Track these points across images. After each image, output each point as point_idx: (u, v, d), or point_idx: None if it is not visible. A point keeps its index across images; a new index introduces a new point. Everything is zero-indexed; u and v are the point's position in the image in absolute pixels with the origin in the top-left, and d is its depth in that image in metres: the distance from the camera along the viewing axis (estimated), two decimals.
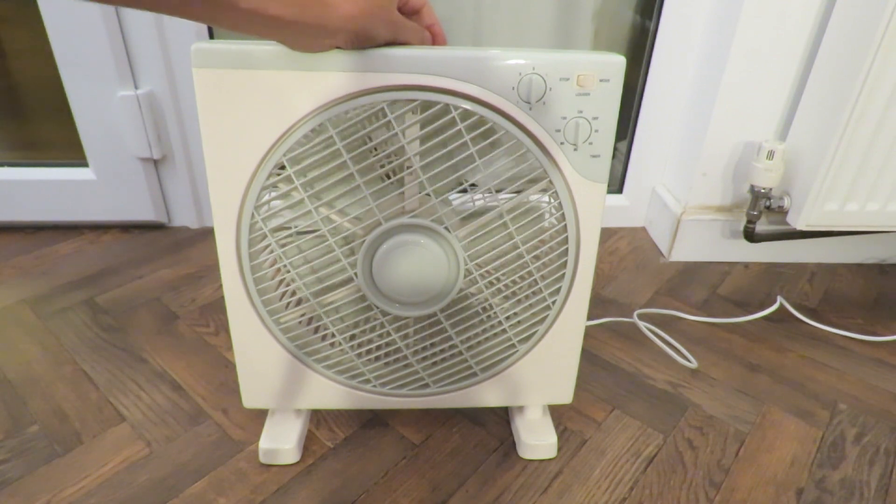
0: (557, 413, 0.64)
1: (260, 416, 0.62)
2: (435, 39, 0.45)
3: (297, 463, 0.57)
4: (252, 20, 0.34)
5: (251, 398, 0.55)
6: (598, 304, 0.86)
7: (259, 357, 0.52)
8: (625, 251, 1.01)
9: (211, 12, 0.33)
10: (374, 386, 0.54)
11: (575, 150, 0.45)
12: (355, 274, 0.48)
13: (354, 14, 0.36)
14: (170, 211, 1.02)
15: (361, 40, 0.39)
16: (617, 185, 1.10)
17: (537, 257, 0.49)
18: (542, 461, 0.59)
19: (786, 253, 0.99)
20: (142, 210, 0.99)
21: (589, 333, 0.78)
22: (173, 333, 0.75)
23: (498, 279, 0.50)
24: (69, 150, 0.95)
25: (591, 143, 0.45)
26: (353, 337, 0.52)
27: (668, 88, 0.97)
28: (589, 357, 0.74)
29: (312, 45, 0.39)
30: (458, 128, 0.43)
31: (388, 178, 0.46)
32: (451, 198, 0.46)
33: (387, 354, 0.53)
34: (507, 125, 0.43)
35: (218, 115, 0.42)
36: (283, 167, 0.44)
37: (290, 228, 0.47)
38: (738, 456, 0.60)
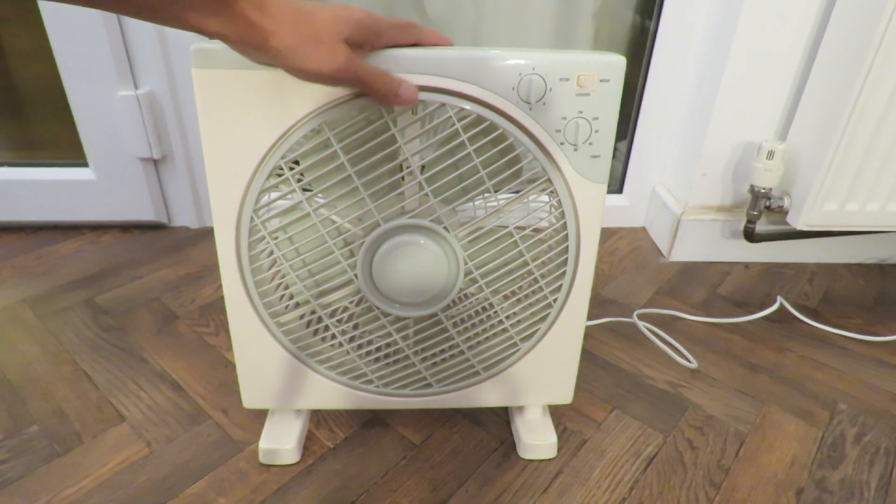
0: (557, 413, 0.64)
1: (260, 416, 0.62)
2: (438, 42, 0.44)
3: (297, 463, 0.57)
4: (178, 25, 0.35)
5: (251, 398, 0.55)
6: (598, 304, 0.86)
7: (259, 357, 0.52)
8: (625, 251, 1.01)
9: (140, 12, 0.34)
10: (377, 386, 0.54)
11: (575, 150, 0.45)
12: (355, 275, 0.48)
13: (280, 47, 0.36)
14: (170, 211, 1.02)
15: (295, 74, 0.38)
16: (617, 185, 1.10)
17: (537, 256, 0.49)
18: (542, 461, 0.59)
19: (786, 253, 0.99)
20: (142, 210, 0.99)
21: (589, 333, 0.78)
22: (173, 333, 0.75)
23: (498, 279, 0.50)
24: (69, 150, 0.95)
25: (591, 144, 0.45)
26: (353, 338, 0.52)
27: (668, 88, 0.97)
28: (589, 357, 0.74)
29: (250, 59, 0.39)
30: (457, 128, 0.43)
31: (400, 170, 0.46)
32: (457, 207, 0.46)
33: (387, 355, 0.53)
34: (507, 125, 0.43)
35: (217, 116, 0.42)
36: (282, 169, 0.44)
37: (289, 230, 0.47)
38: (738, 456, 0.60)
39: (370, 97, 0.41)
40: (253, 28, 0.35)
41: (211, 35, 0.36)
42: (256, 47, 0.37)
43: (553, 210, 0.48)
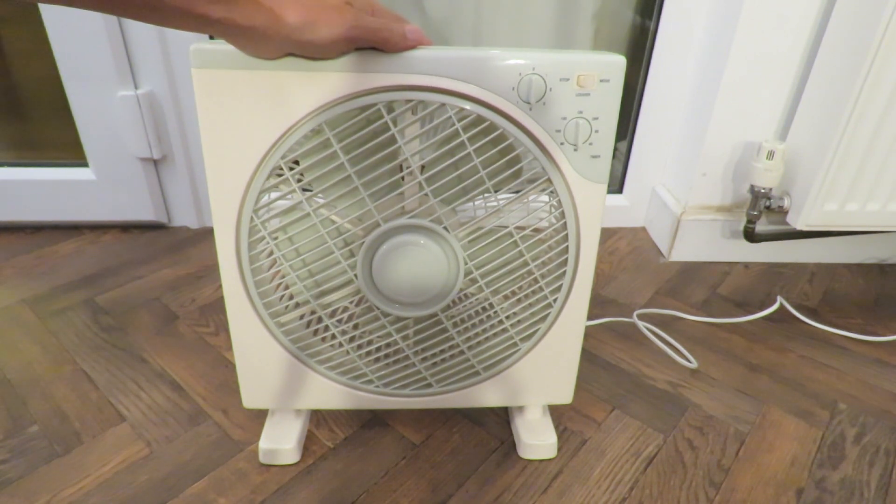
0: (557, 413, 0.64)
1: (260, 416, 0.62)
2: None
3: (297, 463, 0.57)
4: (180, 18, 0.34)
5: (251, 398, 0.55)
6: (598, 304, 0.86)
7: (259, 357, 0.52)
8: (625, 251, 1.01)
9: (138, 10, 0.33)
10: (377, 386, 0.54)
11: (575, 150, 0.45)
12: (355, 275, 0.48)
13: (295, 22, 0.35)
14: (170, 211, 1.02)
15: (310, 49, 0.38)
16: (617, 185, 1.10)
17: (537, 256, 0.49)
18: (542, 461, 0.59)
19: (786, 253, 0.99)
20: (142, 210, 0.99)
21: (589, 333, 0.78)
22: (173, 333, 0.75)
23: (498, 279, 0.50)
24: (69, 150, 0.95)
25: (591, 144, 0.45)
26: (353, 338, 0.52)
27: (668, 88, 0.97)
28: (589, 357, 0.74)
29: (256, 49, 0.38)
30: (455, 128, 0.43)
31: (400, 170, 0.46)
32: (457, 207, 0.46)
33: (387, 355, 0.53)
34: (507, 125, 0.43)
35: (217, 116, 0.42)
36: (282, 169, 0.44)
37: (289, 230, 0.47)
38: (738, 456, 0.60)
39: (381, 48, 0.41)
40: (260, 9, 0.34)
41: (216, 24, 0.34)
42: (265, 31, 0.36)
43: (553, 210, 0.48)
